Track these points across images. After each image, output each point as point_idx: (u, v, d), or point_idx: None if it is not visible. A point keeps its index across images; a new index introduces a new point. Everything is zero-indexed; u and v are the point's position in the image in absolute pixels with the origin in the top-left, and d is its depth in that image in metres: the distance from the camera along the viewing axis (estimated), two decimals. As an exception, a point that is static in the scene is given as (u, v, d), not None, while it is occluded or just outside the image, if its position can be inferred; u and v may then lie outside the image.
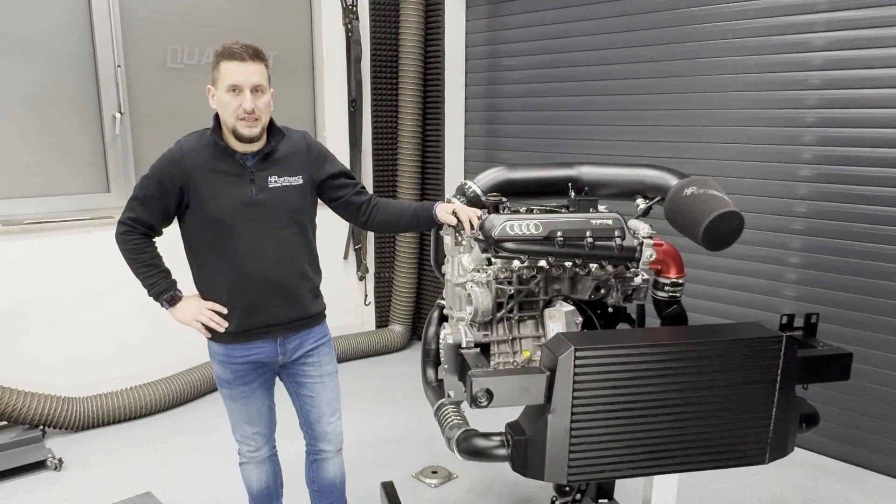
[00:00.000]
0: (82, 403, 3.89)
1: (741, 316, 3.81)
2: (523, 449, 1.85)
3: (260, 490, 2.70)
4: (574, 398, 1.77)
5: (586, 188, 2.43)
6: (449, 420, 2.18)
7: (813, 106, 3.46)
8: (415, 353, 5.19)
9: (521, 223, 2.09)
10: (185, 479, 3.46)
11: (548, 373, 1.78)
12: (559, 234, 2.09)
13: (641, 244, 2.16)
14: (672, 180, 2.26)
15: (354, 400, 4.25)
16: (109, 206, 4.13)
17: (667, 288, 2.32)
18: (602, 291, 2.25)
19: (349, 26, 4.85)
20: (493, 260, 2.17)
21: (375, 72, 5.05)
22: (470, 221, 2.23)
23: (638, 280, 2.26)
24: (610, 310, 2.38)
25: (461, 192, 2.45)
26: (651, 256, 2.19)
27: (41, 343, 3.90)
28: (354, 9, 4.84)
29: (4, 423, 3.65)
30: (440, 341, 2.26)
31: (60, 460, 3.53)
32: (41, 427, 3.72)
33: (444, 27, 4.85)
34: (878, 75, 3.25)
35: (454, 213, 2.29)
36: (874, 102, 3.28)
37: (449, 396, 2.23)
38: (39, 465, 3.51)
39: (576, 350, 1.75)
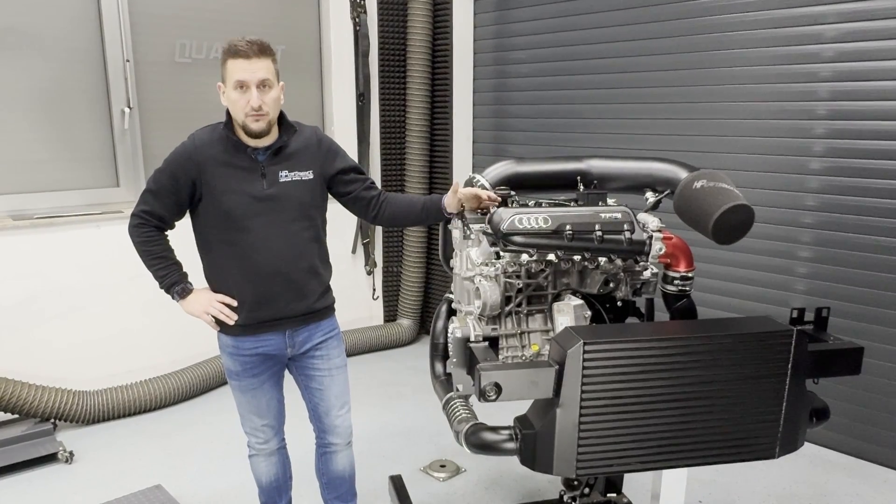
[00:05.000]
0: (93, 397, 3.92)
1: (751, 310, 3.79)
2: (532, 443, 1.85)
3: (269, 482, 2.71)
4: (583, 392, 1.77)
5: (595, 181, 2.41)
6: (457, 414, 2.19)
7: (824, 98, 3.44)
8: (423, 348, 5.19)
9: (530, 217, 2.09)
10: (195, 472, 3.48)
11: (556, 367, 1.78)
12: (568, 227, 2.08)
13: (651, 238, 2.15)
14: (682, 173, 2.25)
15: (363, 394, 4.26)
16: (119, 200, 4.15)
17: (676, 282, 2.31)
18: (611, 285, 2.24)
19: (357, 20, 4.84)
20: (501, 254, 2.17)
21: (383, 66, 5.04)
22: (479, 198, 2.24)
23: (647, 274, 2.25)
24: (619, 304, 2.38)
25: (469, 185, 2.44)
26: (660, 250, 2.18)
27: (52, 337, 3.92)
28: (362, 2, 4.83)
29: (16, 416, 3.68)
30: (448, 335, 2.27)
31: (71, 453, 3.56)
32: (52, 420, 3.75)
33: (452, 20, 4.84)
34: (892, 67, 3.21)
35: (459, 202, 2.29)
36: (887, 94, 3.25)
37: (457, 390, 2.23)
38: (50, 458, 3.54)
39: (585, 344, 1.74)
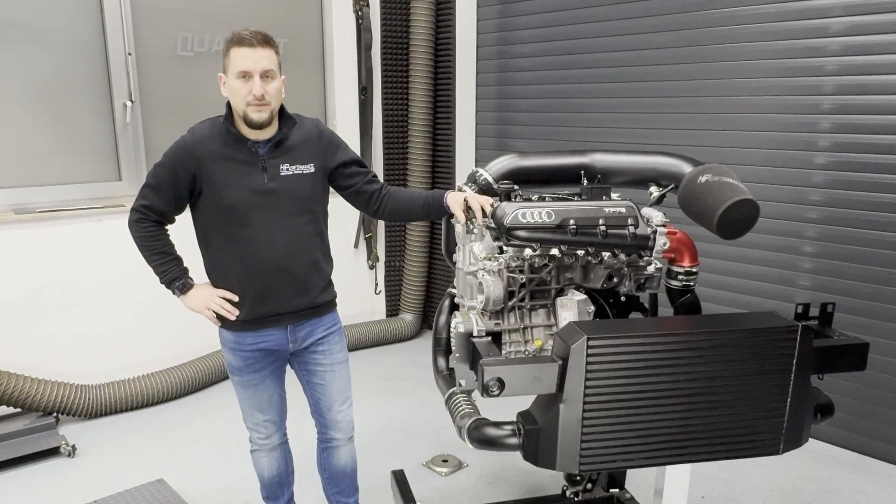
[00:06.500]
0: (95, 391, 3.92)
1: (756, 305, 3.78)
2: (535, 438, 1.84)
3: (271, 477, 2.71)
4: (586, 387, 1.76)
5: (599, 176, 2.40)
6: (460, 409, 2.18)
7: (830, 92, 3.41)
8: (425, 342, 5.19)
9: (534, 211, 2.07)
10: (197, 466, 3.48)
11: (560, 362, 1.77)
12: (572, 222, 2.06)
13: (655, 232, 2.13)
14: (686, 168, 2.23)
15: (365, 388, 4.26)
16: (121, 194, 4.14)
17: (680, 277, 2.29)
18: (615, 280, 2.23)
19: (360, 13, 4.82)
20: (504, 248, 2.15)
21: (386, 59, 5.02)
22: (482, 209, 2.21)
23: (651, 269, 2.24)
24: (622, 299, 2.37)
25: (472, 180, 2.43)
26: (664, 245, 2.16)
27: (54, 331, 3.92)
28: (365, -4, 4.82)
29: (18, 410, 3.68)
30: (451, 330, 2.25)
31: (74, 447, 3.56)
32: (55, 414, 3.75)
33: (455, 14, 4.82)
34: (897, 61, 3.20)
35: (465, 202, 2.27)
36: (893, 88, 3.23)
37: (460, 385, 2.23)
38: (53, 452, 3.54)
39: (588, 339, 1.73)
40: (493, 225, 2.13)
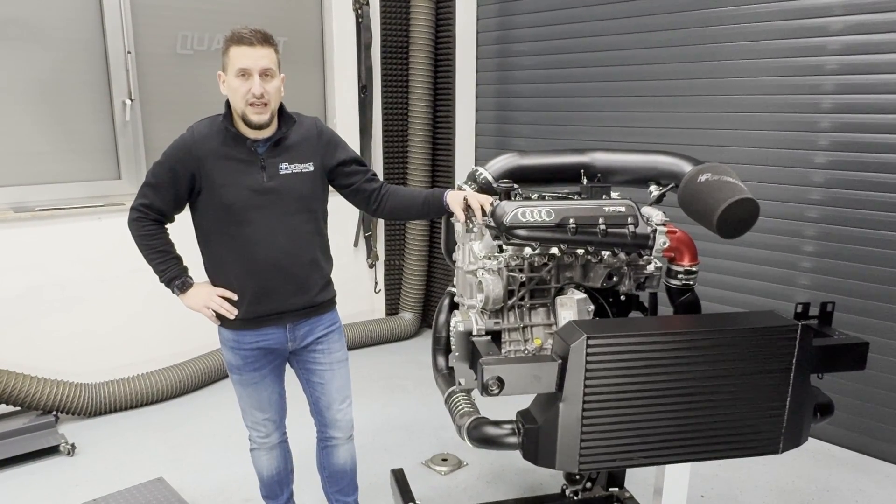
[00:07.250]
0: (95, 389, 3.92)
1: (755, 304, 3.78)
2: (534, 437, 1.84)
3: (271, 476, 2.71)
4: (586, 386, 1.76)
5: (599, 175, 2.40)
6: (459, 408, 2.18)
7: (829, 91, 3.41)
8: (425, 341, 5.19)
9: (533, 210, 2.07)
10: (196, 464, 3.48)
11: (559, 361, 1.77)
12: (571, 220, 2.06)
13: (655, 231, 2.13)
14: (686, 167, 2.23)
15: (364, 387, 4.26)
16: (120, 192, 4.14)
17: (680, 276, 2.29)
18: (614, 279, 2.23)
19: (360, 12, 4.82)
20: (504, 247, 2.15)
21: (386, 58, 5.02)
22: (482, 208, 2.21)
23: (651, 268, 2.23)
24: (622, 298, 2.36)
25: (472, 178, 2.43)
26: (664, 244, 2.16)
27: (53, 329, 3.92)
28: (365, -6, 4.81)
29: (18, 408, 3.68)
30: (451, 329, 2.25)
31: (73, 446, 3.56)
32: (54, 413, 3.75)
33: (454, 12, 4.81)
34: (898, 60, 3.19)
35: (465, 200, 2.27)
36: (893, 87, 3.22)
37: (459, 384, 2.23)
38: (52, 451, 3.54)
39: (588, 338, 1.73)
40: (492, 224, 2.13)
